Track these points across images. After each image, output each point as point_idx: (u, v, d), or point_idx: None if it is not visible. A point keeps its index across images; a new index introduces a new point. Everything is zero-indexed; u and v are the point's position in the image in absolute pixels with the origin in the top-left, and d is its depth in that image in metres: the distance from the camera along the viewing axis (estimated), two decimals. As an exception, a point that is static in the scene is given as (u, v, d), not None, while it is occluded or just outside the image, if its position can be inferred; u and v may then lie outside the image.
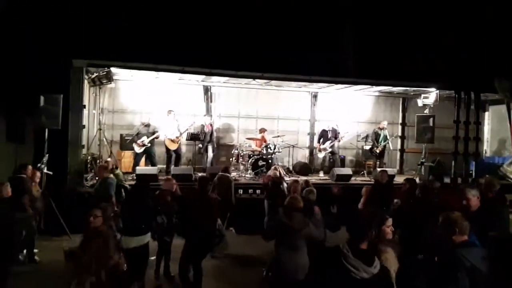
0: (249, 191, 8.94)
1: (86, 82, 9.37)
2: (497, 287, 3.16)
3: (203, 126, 10.88)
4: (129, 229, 4.93)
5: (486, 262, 3.04)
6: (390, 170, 11.02)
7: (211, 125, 10.85)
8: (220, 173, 8.15)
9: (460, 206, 4.26)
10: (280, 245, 4.31)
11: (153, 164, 9.94)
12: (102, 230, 4.18)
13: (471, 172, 10.68)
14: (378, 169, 10.77)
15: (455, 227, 3.10)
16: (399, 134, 13.25)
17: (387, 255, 3.00)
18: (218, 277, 5.91)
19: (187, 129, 10.20)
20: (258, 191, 8.87)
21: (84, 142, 9.22)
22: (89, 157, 9.60)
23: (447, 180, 10.46)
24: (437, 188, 6.65)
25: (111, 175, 7.02)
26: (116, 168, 8.46)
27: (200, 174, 8.90)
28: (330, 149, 11.21)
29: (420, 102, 11.68)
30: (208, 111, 11.85)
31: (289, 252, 4.19)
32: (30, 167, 6.77)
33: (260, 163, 10.31)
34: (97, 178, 7.44)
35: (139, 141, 9.73)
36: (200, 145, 10.63)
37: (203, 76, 10.77)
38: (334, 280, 2.75)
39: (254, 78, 10.40)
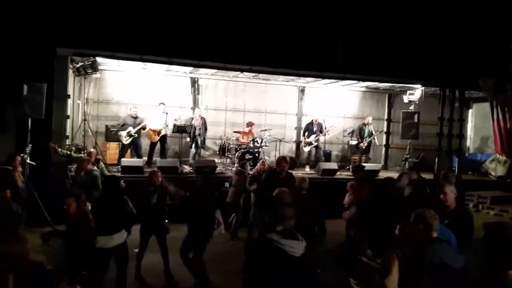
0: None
1: (70, 71, 9.19)
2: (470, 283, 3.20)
3: (192, 118, 10.67)
4: (104, 228, 4.74)
5: (458, 259, 3.07)
6: (375, 166, 11.20)
7: (202, 118, 10.72)
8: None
9: (429, 199, 4.32)
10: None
11: (139, 156, 9.86)
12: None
13: (454, 168, 10.87)
14: (363, 165, 10.92)
15: (424, 224, 3.14)
16: (385, 130, 13.40)
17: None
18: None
19: (174, 123, 10.09)
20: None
21: (68, 132, 9.08)
22: (73, 148, 9.45)
23: (430, 176, 10.62)
24: (414, 180, 6.74)
25: (95, 167, 6.95)
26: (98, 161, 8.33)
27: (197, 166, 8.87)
28: (315, 143, 11.27)
29: (405, 99, 11.84)
30: (195, 103, 11.78)
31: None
32: (18, 158, 6.66)
33: (247, 156, 10.31)
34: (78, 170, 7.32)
35: (126, 131, 9.61)
36: (188, 139, 10.51)
37: (191, 68, 10.69)
38: (281, 263, 2.94)
39: (242, 71, 10.36)
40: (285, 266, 2.95)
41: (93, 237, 4.57)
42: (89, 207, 5.10)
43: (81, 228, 4.60)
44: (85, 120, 10.02)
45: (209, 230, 5.30)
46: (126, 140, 9.67)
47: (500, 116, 11.35)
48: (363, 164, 10.93)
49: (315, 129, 11.22)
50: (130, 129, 9.64)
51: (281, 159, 6.51)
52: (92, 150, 8.51)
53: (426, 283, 2.77)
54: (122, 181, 5.49)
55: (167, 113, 10.12)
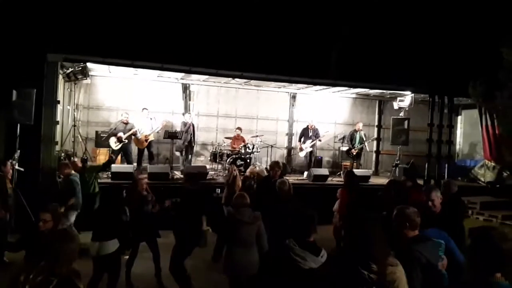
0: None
1: (60, 77, 9.13)
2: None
3: (185, 124, 10.54)
4: (98, 235, 4.73)
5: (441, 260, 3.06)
6: (365, 171, 11.26)
7: (192, 124, 10.67)
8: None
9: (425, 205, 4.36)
10: (232, 242, 4.35)
11: (129, 162, 9.78)
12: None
13: (443, 174, 10.96)
14: (354, 170, 10.96)
15: (406, 221, 3.11)
16: (375, 136, 13.49)
17: (396, 269, 2.62)
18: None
19: (157, 128, 10.02)
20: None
21: (57, 138, 8.98)
22: (62, 154, 9.36)
23: (420, 182, 10.70)
24: (409, 188, 6.79)
25: (73, 172, 6.92)
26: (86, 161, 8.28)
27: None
28: (310, 148, 11.30)
29: (395, 105, 11.95)
30: (187, 109, 11.75)
31: (240, 249, 4.25)
32: (8, 164, 6.57)
33: (238, 162, 10.29)
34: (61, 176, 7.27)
35: (117, 135, 9.54)
36: (182, 143, 10.43)
37: (182, 74, 10.67)
38: (284, 272, 2.88)
39: (233, 77, 10.37)
40: (285, 276, 2.87)
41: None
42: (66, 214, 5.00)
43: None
44: (74, 126, 9.96)
45: (196, 238, 5.19)
46: (116, 146, 9.59)
47: (489, 123, 11.51)
48: (354, 170, 10.99)
49: (310, 134, 11.26)
50: (120, 134, 9.56)
51: (274, 164, 6.60)
52: (76, 159, 8.42)
53: (416, 283, 2.74)
54: (124, 192, 5.43)
55: (151, 119, 10.07)
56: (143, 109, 10.25)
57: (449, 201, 4.79)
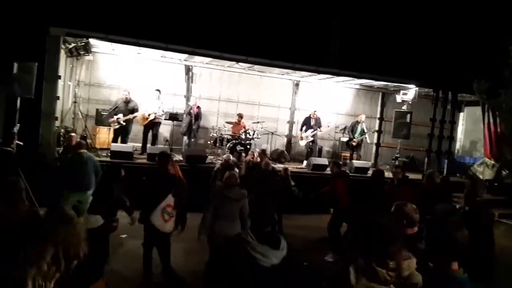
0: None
1: (62, 52, 9.01)
2: None
3: (190, 107, 10.40)
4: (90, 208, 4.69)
5: None
6: (364, 163, 11.24)
7: (198, 107, 10.55)
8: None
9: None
10: (217, 216, 4.70)
11: (123, 141, 9.68)
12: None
13: (442, 170, 10.96)
14: (354, 161, 10.96)
15: (404, 218, 3.08)
16: (376, 128, 13.43)
17: (411, 262, 2.51)
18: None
19: (163, 110, 9.94)
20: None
21: (57, 114, 8.91)
22: (62, 130, 9.31)
23: (418, 176, 10.69)
24: (399, 179, 6.84)
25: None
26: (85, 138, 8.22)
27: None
28: (311, 138, 11.26)
29: (399, 98, 11.87)
30: (189, 91, 11.65)
31: (225, 222, 4.63)
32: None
33: (238, 148, 10.25)
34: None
35: (114, 117, 9.49)
36: (184, 126, 10.34)
37: (186, 56, 10.55)
38: (243, 272, 2.47)
39: (238, 61, 10.26)
40: (248, 277, 2.46)
41: None
42: None
43: None
44: (75, 102, 9.86)
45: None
46: (114, 126, 9.55)
47: (491, 120, 11.46)
48: (353, 161, 10.99)
49: (312, 123, 11.20)
50: (120, 115, 9.49)
51: (261, 152, 7.18)
52: (73, 134, 8.28)
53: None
54: (123, 170, 5.33)
55: (162, 103, 9.96)
56: (155, 90, 10.12)
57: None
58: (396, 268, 2.46)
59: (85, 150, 6.45)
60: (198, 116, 10.46)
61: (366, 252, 2.53)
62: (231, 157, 7.74)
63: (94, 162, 6.24)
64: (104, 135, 10.15)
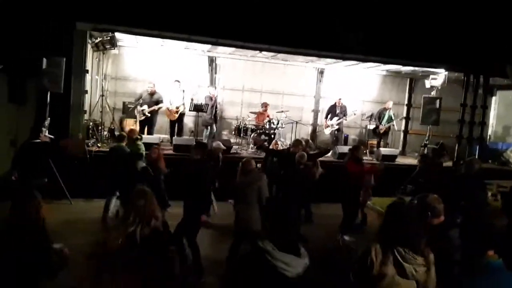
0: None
1: (89, 46, 9.19)
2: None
3: (210, 97, 10.46)
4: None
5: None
6: (392, 150, 11.02)
7: (215, 97, 10.61)
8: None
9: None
10: (238, 201, 5.10)
11: (149, 133, 9.99)
12: None
13: (474, 156, 10.60)
14: (381, 149, 10.76)
15: (428, 210, 3.01)
16: (404, 115, 13.12)
17: (432, 255, 2.53)
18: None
19: (191, 100, 10.09)
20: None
21: (86, 107, 9.12)
22: (91, 123, 9.53)
23: (449, 163, 10.39)
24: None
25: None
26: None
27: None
28: (337, 126, 11.11)
29: (427, 84, 11.52)
30: (212, 82, 11.68)
31: (243, 206, 4.91)
32: (43, 131, 6.77)
33: (262, 137, 10.24)
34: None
35: (139, 108, 9.70)
36: (208, 118, 10.40)
37: (209, 46, 10.55)
38: (263, 283, 2.28)
39: (261, 50, 10.15)
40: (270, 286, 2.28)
41: None
42: None
43: None
44: (102, 96, 10.05)
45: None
46: (140, 117, 9.74)
47: (526, 104, 10.99)
48: (381, 148, 10.80)
49: (337, 111, 11.05)
50: (145, 107, 9.69)
51: (297, 142, 7.10)
52: (132, 127, 8.69)
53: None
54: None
55: (183, 91, 10.11)
56: (175, 81, 10.28)
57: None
58: (423, 263, 2.45)
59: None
60: (215, 106, 10.53)
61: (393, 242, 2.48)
62: (221, 145, 7.70)
63: None
64: (130, 127, 10.31)
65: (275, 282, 2.24)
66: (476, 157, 10.54)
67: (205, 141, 10.42)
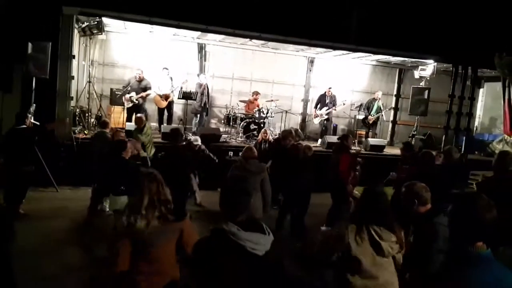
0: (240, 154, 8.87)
1: (76, 31, 8.99)
2: None
3: (200, 85, 10.30)
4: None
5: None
6: (380, 141, 11.09)
7: (207, 86, 10.47)
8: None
9: None
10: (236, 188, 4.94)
11: None
12: None
13: (460, 147, 10.73)
14: (369, 139, 10.82)
15: (415, 198, 3.07)
16: (393, 105, 13.19)
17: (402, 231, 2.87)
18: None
19: (181, 87, 10.00)
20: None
21: (73, 94, 8.96)
22: (77, 110, 9.38)
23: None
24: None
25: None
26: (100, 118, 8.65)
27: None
28: (326, 116, 11.12)
29: (416, 74, 11.60)
30: (202, 70, 11.56)
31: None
32: (29, 117, 6.65)
33: (252, 126, 10.20)
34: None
35: (127, 96, 9.55)
36: (197, 106, 10.31)
37: (198, 33, 10.42)
38: (236, 266, 2.20)
39: (251, 38, 10.06)
40: (242, 268, 2.19)
41: None
42: None
43: None
44: (89, 82, 9.87)
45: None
46: (127, 105, 9.61)
47: (512, 96, 11.12)
48: (369, 139, 10.85)
49: (327, 101, 11.05)
50: (133, 94, 9.56)
51: (287, 134, 7.05)
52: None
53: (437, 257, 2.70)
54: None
55: (171, 78, 10.00)
56: (163, 68, 10.16)
57: None
58: (395, 240, 2.74)
59: None
60: (207, 94, 10.42)
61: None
62: (198, 141, 7.41)
63: None
64: (118, 114, 10.17)
65: (245, 262, 2.18)
66: (463, 148, 10.70)
67: (194, 129, 10.37)
